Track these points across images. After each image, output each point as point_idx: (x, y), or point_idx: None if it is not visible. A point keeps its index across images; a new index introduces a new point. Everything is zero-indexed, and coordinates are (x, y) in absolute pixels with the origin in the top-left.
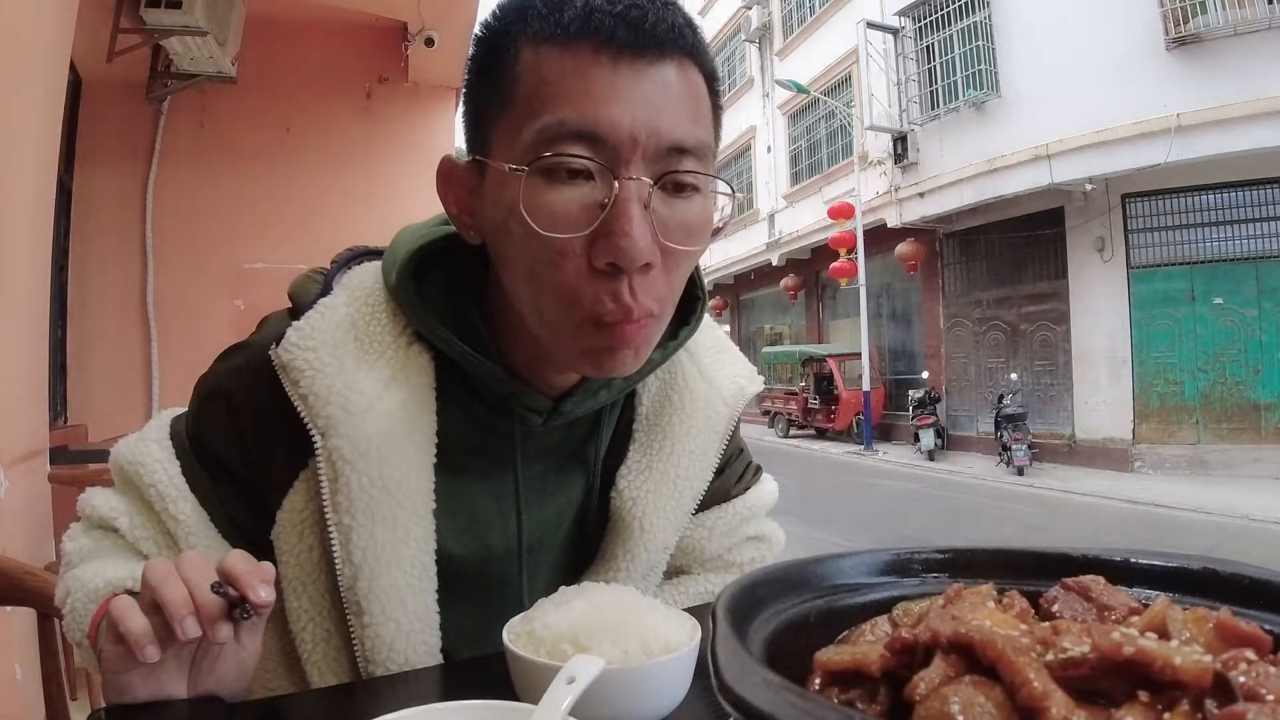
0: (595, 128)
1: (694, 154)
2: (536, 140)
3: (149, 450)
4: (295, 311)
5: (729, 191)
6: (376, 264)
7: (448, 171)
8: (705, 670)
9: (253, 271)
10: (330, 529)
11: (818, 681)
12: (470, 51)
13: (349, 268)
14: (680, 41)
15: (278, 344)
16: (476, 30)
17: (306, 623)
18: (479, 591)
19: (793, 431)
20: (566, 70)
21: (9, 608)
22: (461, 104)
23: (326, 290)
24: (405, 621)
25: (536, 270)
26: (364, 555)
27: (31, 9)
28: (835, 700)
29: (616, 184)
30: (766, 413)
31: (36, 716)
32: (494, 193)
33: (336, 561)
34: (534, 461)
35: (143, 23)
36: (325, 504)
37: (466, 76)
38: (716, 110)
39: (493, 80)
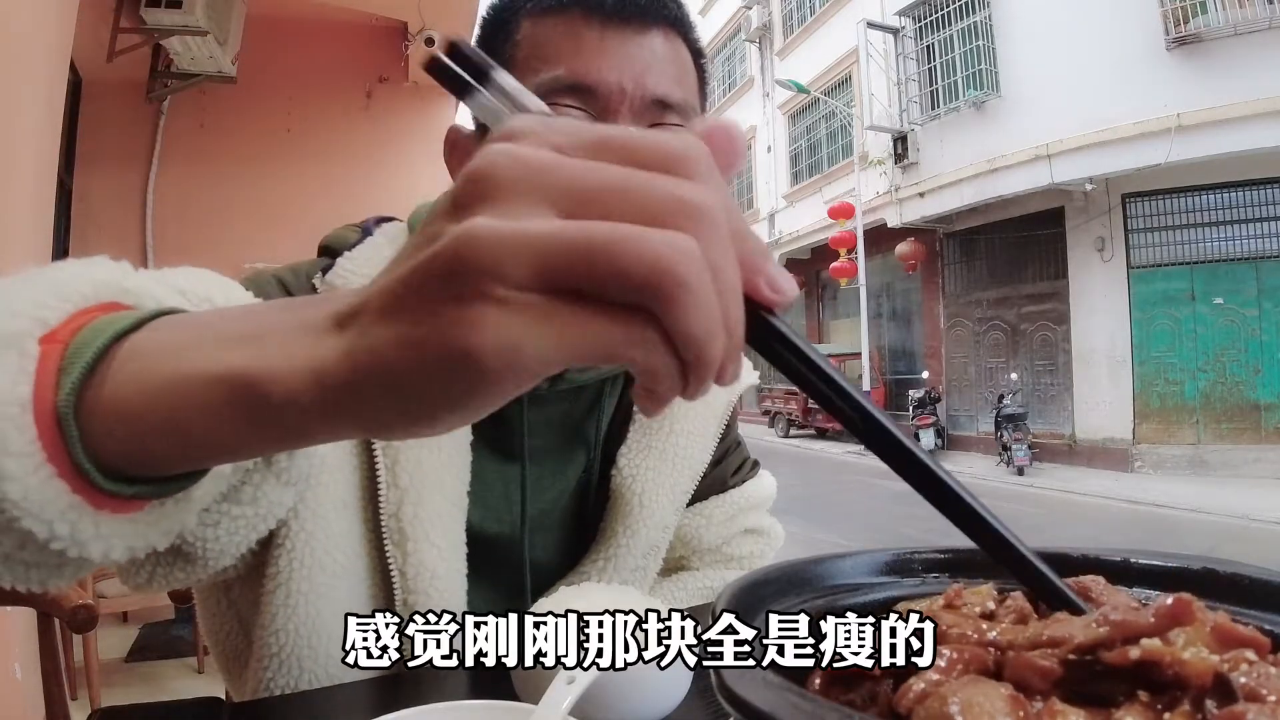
0: (585, 80)
1: (678, 111)
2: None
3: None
4: (331, 256)
5: None
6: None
7: (454, 139)
8: (705, 670)
9: (253, 272)
10: (377, 452)
11: (818, 681)
12: (476, 33)
13: (379, 225)
14: (664, 12)
15: (324, 274)
16: (484, 11)
17: (342, 546)
18: (490, 569)
19: (793, 431)
20: (561, 34)
21: (9, 608)
22: None
23: (366, 235)
24: (446, 548)
25: None
26: (410, 479)
27: (31, 9)
28: (835, 700)
29: None
30: (767, 413)
31: (36, 716)
32: None
33: (381, 486)
34: (538, 434)
35: (143, 22)
36: None
37: None
38: (702, 84)
39: (496, 52)
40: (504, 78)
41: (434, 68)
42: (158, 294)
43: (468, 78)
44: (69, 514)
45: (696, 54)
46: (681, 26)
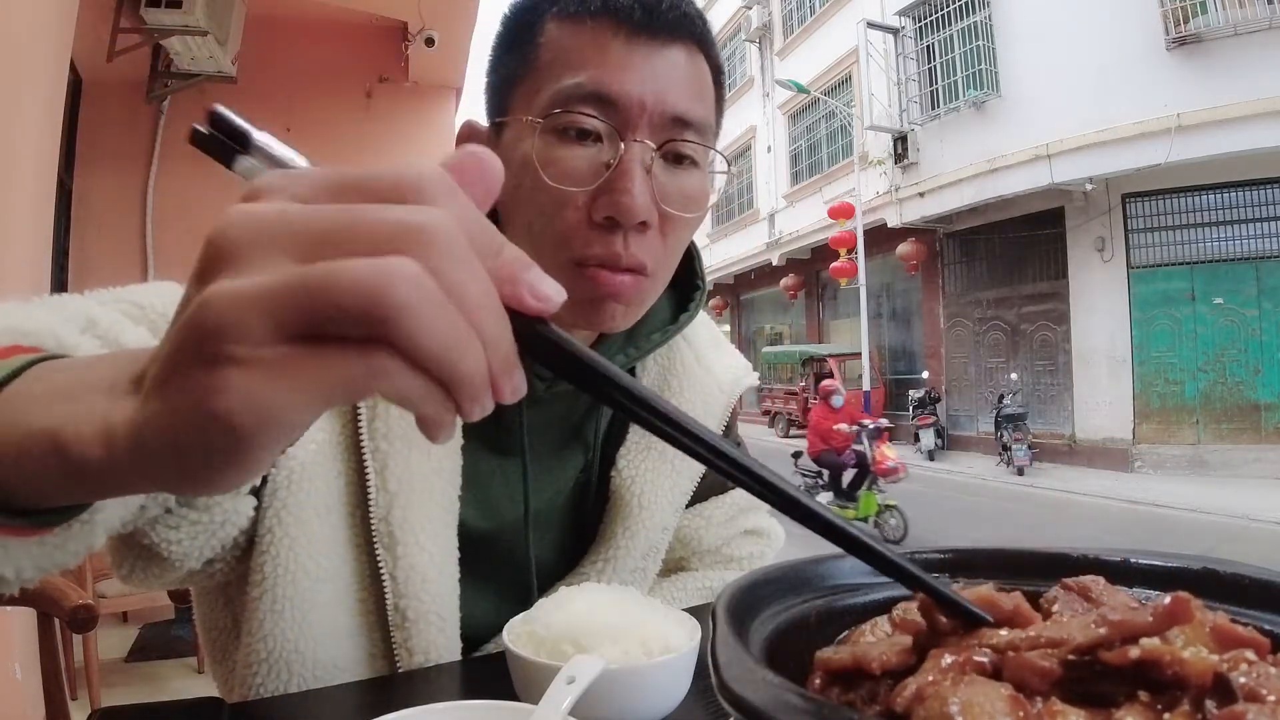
0: (608, 91)
1: (695, 129)
2: (554, 99)
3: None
4: None
5: (726, 167)
6: None
7: (468, 134)
8: (705, 670)
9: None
10: (366, 456)
11: (818, 681)
12: (498, 30)
13: None
14: (690, 28)
15: None
16: (505, 9)
17: (326, 551)
18: (490, 568)
19: (793, 431)
20: (586, 42)
21: (9, 608)
22: (485, 78)
23: None
24: (437, 552)
25: (537, 221)
26: (400, 483)
27: (31, 9)
28: (835, 700)
29: (623, 145)
30: (767, 413)
31: (36, 716)
32: (509, 149)
33: (371, 490)
34: (537, 433)
35: (143, 22)
36: (362, 430)
37: (492, 50)
38: (720, 100)
39: (517, 51)
40: (264, 139)
41: (196, 139)
42: (60, 332)
43: (231, 144)
44: None
45: (716, 71)
46: (704, 44)
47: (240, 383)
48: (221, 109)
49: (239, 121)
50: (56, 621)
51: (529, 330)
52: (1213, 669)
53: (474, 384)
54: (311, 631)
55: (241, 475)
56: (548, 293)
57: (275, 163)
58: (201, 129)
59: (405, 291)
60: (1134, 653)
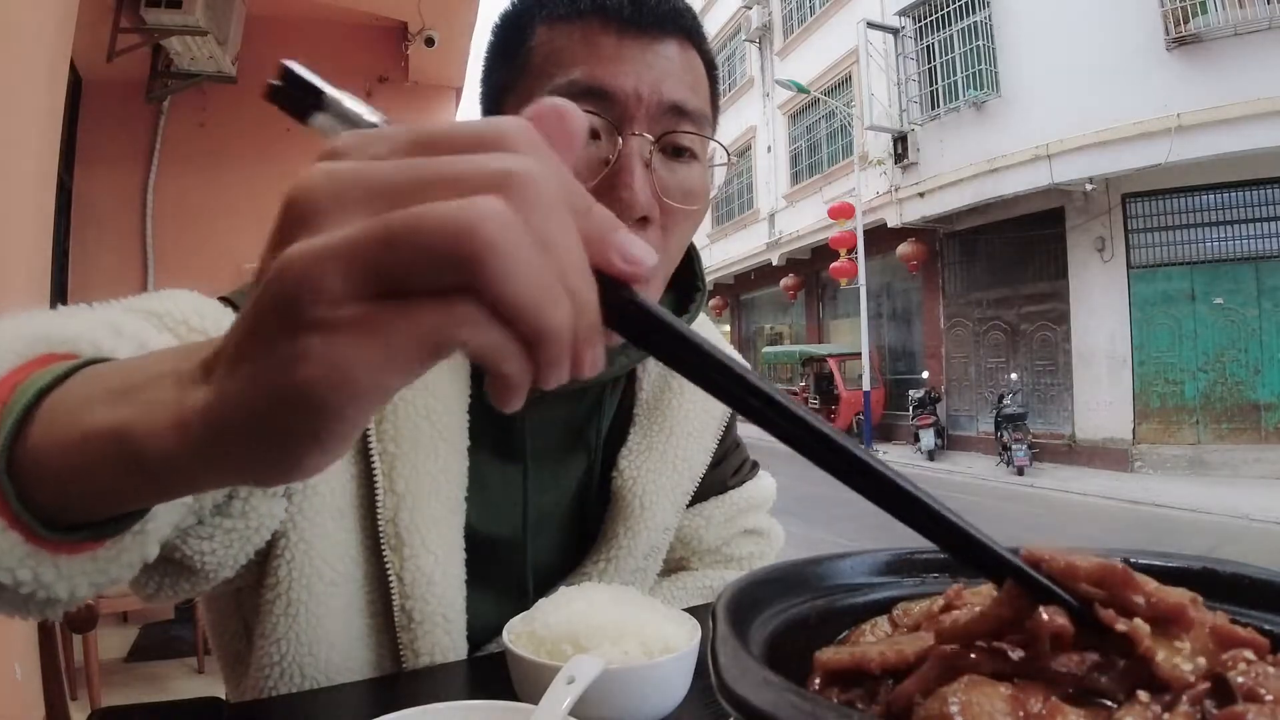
0: (602, 84)
1: (693, 119)
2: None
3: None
4: None
5: (726, 155)
6: None
7: None
8: (705, 670)
9: (254, 272)
10: (374, 457)
11: (818, 681)
12: (489, 39)
13: None
14: (680, 22)
15: None
16: (495, 18)
17: (340, 555)
18: (493, 570)
19: None
20: (577, 40)
21: None
22: (479, 87)
23: None
24: (443, 553)
25: None
26: (407, 485)
27: (31, 9)
28: (835, 700)
29: (620, 140)
30: None
31: (36, 716)
32: None
33: (378, 492)
34: (539, 436)
35: (143, 22)
36: (370, 432)
37: (485, 60)
38: (714, 96)
39: (509, 59)
40: (336, 96)
41: (272, 95)
42: (96, 338)
43: (305, 100)
44: (28, 561)
45: (709, 65)
46: (695, 37)
47: (323, 350)
48: (292, 65)
49: (310, 78)
50: (57, 621)
51: (616, 297)
52: (1183, 679)
53: (559, 342)
54: (324, 635)
55: (322, 456)
56: (639, 255)
57: (348, 120)
58: (275, 83)
59: (493, 230)
60: (1121, 626)
